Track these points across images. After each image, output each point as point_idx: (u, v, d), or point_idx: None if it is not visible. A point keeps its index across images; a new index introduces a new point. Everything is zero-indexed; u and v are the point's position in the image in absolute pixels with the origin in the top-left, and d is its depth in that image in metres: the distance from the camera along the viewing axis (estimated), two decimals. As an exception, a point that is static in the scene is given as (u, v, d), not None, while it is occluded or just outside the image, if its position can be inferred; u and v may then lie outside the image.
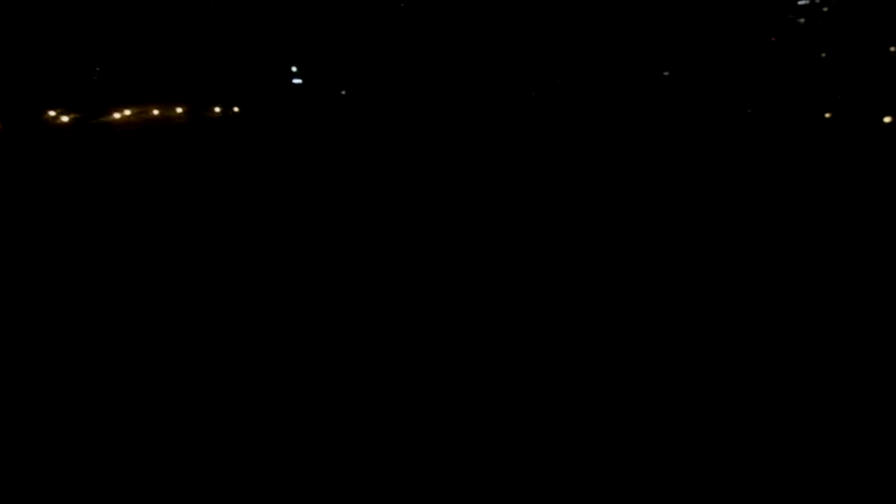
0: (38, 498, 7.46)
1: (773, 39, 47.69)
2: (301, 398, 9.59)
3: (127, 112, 46.66)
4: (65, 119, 44.89)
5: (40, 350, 11.33)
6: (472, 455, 8.12)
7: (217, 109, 50.04)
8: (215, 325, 12.40)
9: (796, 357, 10.44)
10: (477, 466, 7.91)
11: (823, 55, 45.82)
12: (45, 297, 14.02)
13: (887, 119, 38.51)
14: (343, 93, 53.40)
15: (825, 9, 46.04)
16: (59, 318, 12.82)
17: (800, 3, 46.68)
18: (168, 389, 9.87)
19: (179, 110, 48.62)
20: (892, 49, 43.97)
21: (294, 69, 54.76)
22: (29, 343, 11.63)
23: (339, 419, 9.04)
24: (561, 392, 9.58)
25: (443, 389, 9.78)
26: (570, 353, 10.80)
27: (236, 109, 50.43)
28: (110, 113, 46.17)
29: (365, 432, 8.66)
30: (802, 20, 46.95)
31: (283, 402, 9.45)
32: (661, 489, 7.46)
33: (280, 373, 10.45)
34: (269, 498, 7.41)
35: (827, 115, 41.59)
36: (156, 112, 47.75)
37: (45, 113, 44.94)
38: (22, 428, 8.86)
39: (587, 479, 7.65)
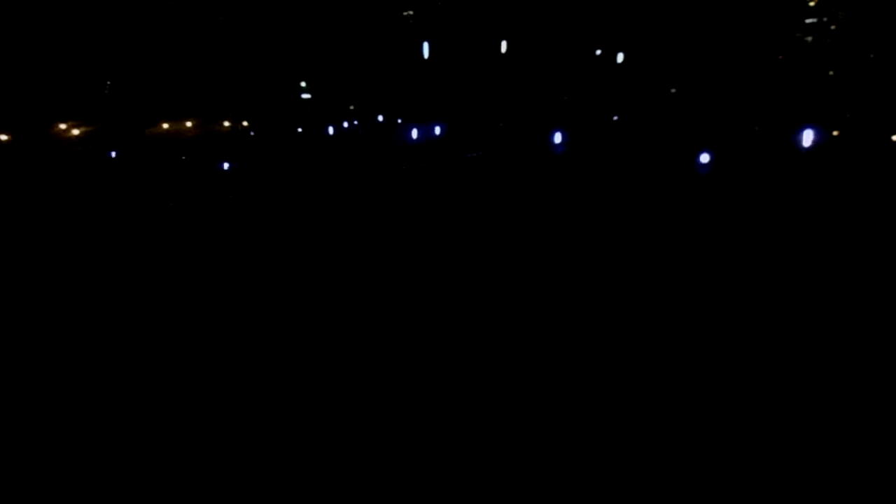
0: (39, 498, 7.42)
1: (780, 57, 47.84)
2: (303, 397, 9.57)
3: (137, 125, 47.08)
4: (75, 132, 45.31)
5: (46, 351, 11.33)
6: (471, 454, 8.05)
7: (226, 124, 50.39)
8: (221, 327, 12.42)
9: (803, 366, 10.39)
10: (477, 465, 7.84)
11: (831, 73, 45.90)
12: (53, 300, 14.05)
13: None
14: (351, 108, 53.73)
15: (833, 27, 46.19)
16: (66, 321, 12.85)
17: (807, 21, 46.85)
18: (172, 389, 9.87)
19: (189, 124, 49.01)
20: (901, 67, 44.00)
21: (303, 84, 55.18)
22: (37, 344, 11.63)
23: (339, 418, 9.00)
24: (558, 393, 9.52)
25: (442, 390, 9.74)
26: (569, 357, 10.74)
27: (245, 124, 50.78)
28: (121, 126, 46.56)
29: (364, 431, 8.61)
30: (810, 38, 47.11)
31: (286, 402, 9.43)
32: (661, 488, 7.37)
33: (282, 373, 10.43)
34: (269, 498, 7.35)
35: (835, 132, 41.53)
36: (166, 126, 48.15)
37: (56, 125, 45.37)
38: (22, 427, 8.84)
39: (586, 478, 7.56)
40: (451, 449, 8.38)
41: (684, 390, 9.87)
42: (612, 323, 12.81)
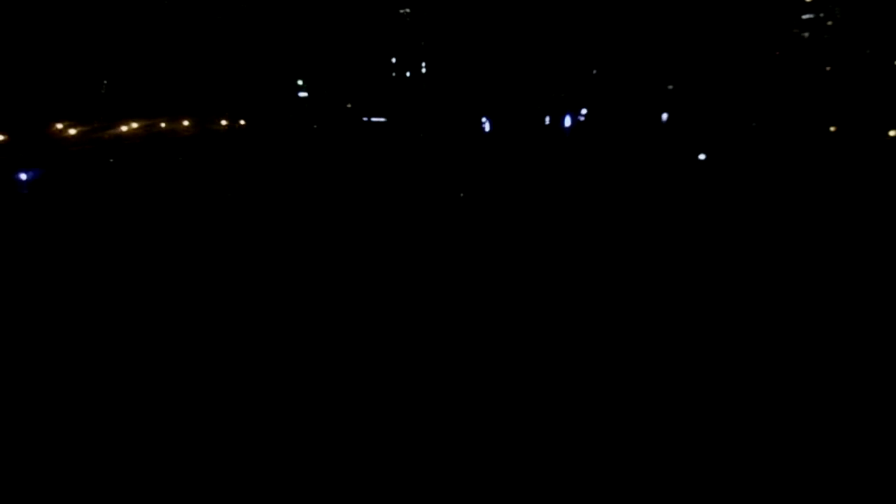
0: (38, 498, 7.45)
1: (777, 53, 47.90)
2: (302, 398, 9.62)
3: (135, 125, 46.87)
4: (72, 131, 45.08)
5: (42, 352, 11.35)
6: (472, 455, 8.09)
7: (223, 122, 50.23)
8: (219, 326, 12.46)
9: (800, 360, 10.47)
10: (477, 466, 7.89)
11: (828, 69, 46.00)
12: (51, 298, 14.08)
13: (892, 133, 38.59)
14: (349, 106, 53.65)
15: (829, 23, 46.27)
16: (63, 321, 12.87)
17: (804, 17, 46.92)
18: (169, 389, 9.92)
19: (186, 123, 48.84)
20: (897, 63, 44.12)
21: (300, 83, 55.09)
22: (35, 346, 11.66)
23: (339, 419, 9.05)
24: (557, 394, 9.58)
25: (441, 390, 9.79)
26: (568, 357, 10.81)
27: (242, 122, 50.63)
28: (118, 126, 46.36)
29: (365, 432, 8.66)
30: (807, 34, 47.18)
31: (285, 403, 9.48)
32: (661, 489, 7.43)
33: (280, 373, 10.48)
34: (269, 498, 7.39)
35: (832, 128, 41.64)
36: (163, 125, 47.97)
37: (53, 125, 45.14)
38: (22, 428, 8.88)
39: (586, 478, 7.61)
40: (449, 445, 8.43)
41: (682, 388, 9.95)
42: (607, 317, 12.90)
